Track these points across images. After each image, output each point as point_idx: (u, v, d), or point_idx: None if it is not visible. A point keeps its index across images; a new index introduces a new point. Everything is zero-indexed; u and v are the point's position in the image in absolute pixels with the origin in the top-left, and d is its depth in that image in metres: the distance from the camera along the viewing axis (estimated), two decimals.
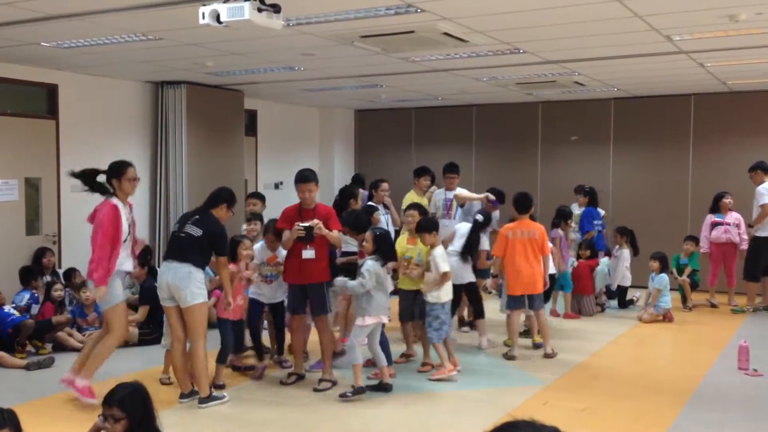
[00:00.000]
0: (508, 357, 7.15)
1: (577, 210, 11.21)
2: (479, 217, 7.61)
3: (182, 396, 5.75)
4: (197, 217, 5.76)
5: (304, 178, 6.13)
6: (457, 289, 7.14)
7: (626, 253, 9.88)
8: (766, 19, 6.28)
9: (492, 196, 8.07)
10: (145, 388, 3.50)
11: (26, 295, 7.91)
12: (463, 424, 5.30)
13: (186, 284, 5.50)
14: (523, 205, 7.34)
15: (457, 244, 7.47)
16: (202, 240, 5.63)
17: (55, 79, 9.01)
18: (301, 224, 5.91)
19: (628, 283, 9.99)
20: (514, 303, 7.29)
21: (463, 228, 7.62)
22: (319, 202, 6.27)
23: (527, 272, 7.15)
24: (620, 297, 10.01)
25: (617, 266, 9.90)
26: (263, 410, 5.63)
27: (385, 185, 8.64)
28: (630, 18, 6.21)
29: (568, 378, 6.55)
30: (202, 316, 5.63)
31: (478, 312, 7.62)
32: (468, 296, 7.73)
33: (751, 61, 8.36)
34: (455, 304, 7.29)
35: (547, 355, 7.25)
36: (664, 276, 9.14)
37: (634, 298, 10.11)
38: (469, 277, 7.44)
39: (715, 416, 5.47)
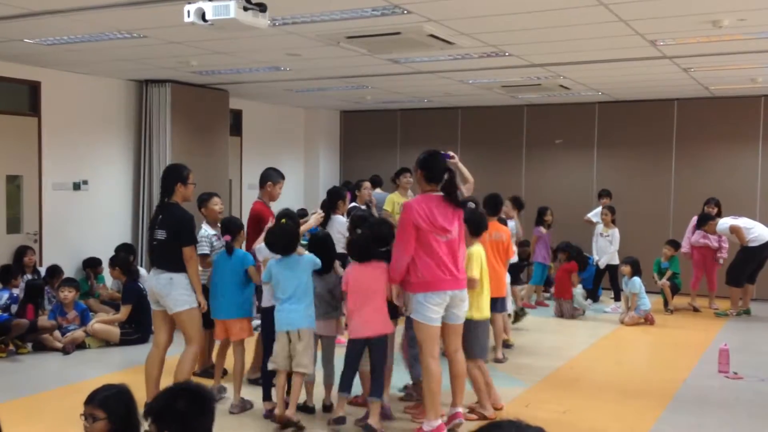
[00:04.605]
0: (494, 360, 7.07)
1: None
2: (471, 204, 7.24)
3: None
4: (160, 217, 5.53)
5: (284, 175, 6.67)
6: None
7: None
8: (748, 25, 6.35)
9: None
10: (130, 391, 3.40)
11: (5, 295, 7.82)
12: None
13: (167, 291, 5.38)
14: (493, 206, 7.04)
15: None
16: (170, 242, 5.40)
17: (38, 76, 8.92)
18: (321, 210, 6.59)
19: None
20: None
21: None
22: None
23: (495, 275, 6.66)
24: (612, 276, 10.46)
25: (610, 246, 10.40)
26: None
27: (367, 184, 8.67)
28: (615, 22, 6.24)
29: (549, 380, 6.57)
30: (191, 321, 5.45)
31: None
32: None
33: (733, 66, 8.43)
34: None
35: (497, 360, 7.05)
36: (636, 279, 9.20)
37: (611, 309, 10.04)
38: None
39: (695, 419, 5.50)
